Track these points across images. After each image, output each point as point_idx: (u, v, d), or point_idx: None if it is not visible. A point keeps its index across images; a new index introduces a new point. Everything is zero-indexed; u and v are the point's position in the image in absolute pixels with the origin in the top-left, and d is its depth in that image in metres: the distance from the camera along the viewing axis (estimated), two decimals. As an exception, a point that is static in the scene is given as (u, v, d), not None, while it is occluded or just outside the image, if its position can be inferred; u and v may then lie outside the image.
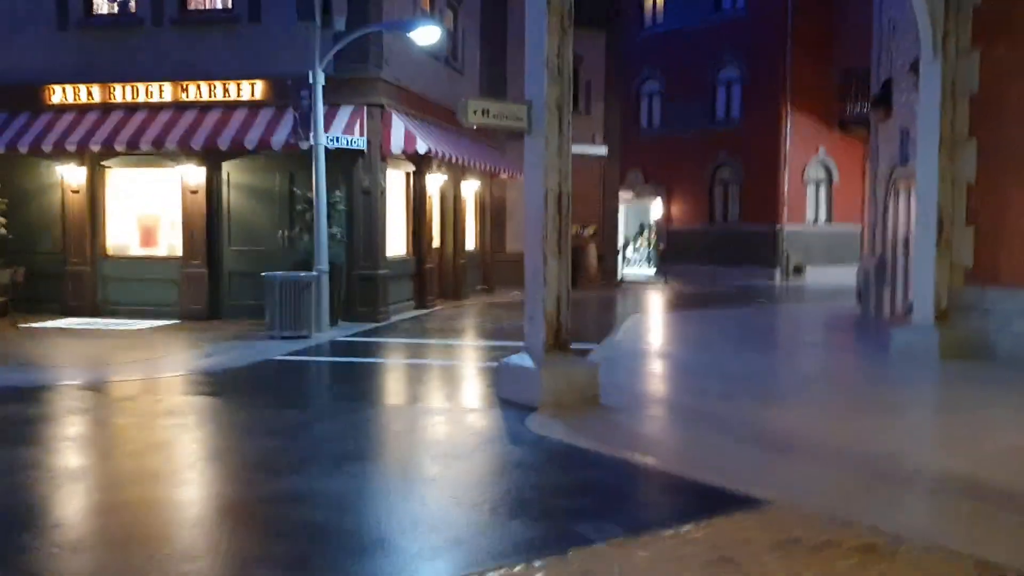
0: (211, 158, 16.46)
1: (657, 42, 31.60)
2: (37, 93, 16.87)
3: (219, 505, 6.28)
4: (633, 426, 8.69)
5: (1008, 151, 12.03)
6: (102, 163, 17.07)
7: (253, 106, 16.30)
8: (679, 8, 30.97)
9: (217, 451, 7.75)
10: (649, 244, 34.81)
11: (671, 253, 30.38)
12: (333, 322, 15.20)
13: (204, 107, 16.43)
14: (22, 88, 16.84)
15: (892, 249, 16.59)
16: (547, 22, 8.91)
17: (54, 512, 6.09)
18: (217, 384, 10.73)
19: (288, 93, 15.14)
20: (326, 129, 14.99)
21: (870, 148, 19.14)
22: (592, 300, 21.45)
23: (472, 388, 10.78)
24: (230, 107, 16.36)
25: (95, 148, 16.20)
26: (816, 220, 29.12)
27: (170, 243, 17.26)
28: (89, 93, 16.74)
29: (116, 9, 17.07)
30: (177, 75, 16.45)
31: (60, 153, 16.48)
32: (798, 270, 28.40)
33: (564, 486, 6.64)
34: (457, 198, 21.30)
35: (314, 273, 14.52)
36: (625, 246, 31.82)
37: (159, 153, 16.29)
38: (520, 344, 13.15)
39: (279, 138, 15.57)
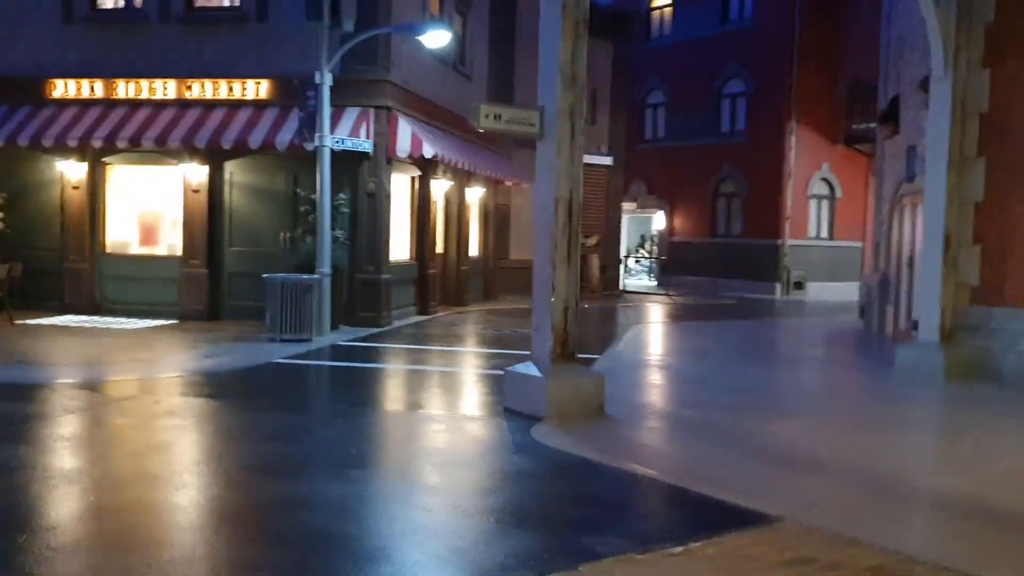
0: (214, 157, 16.36)
1: (663, 53, 31.56)
2: (40, 87, 16.77)
3: (219, 509, 6.16)
4: (639, 438, 8.60)
5: (1017, 170, 11.96)
6: (103, 159, 16.95)
7: (258, 105, 16.21)
8: (686, 20, 30.94)
9: (217, 454, 7.62)
10: (650, 255, 34.75)
11: (673, 265, 30.32)
12: (334, 326, 15.09)
13: (208, 105, 16.33)
14: (24, 81, 16.75)
15: (896, 266, 16.51)
16: (562, 27, 8.81)
17: (51, 514, 5.96)
18: (217, 386, 10.61)
19: (294, 93, 15.05)
20: (332, 130, 14.89)
21: (875, 164, 19.09)
22: (594, 310, 21.36)
23: (476, 396, 10.67)
24: (235, 106, 16.27)
25: (97, 144, 16.09)
26: (818, 236, 29.03)
27: (170, 242, 17.13)
28: (92, 88, 16.63)
29: (122, 4, 16.97)
30: (182, 72, 16.36)
31: (61, 148, 16.36)
32: (799, 285, 28.32)
33: (570, 497, 6.53)
34: (461, 204, 21.21)
35: (316, 276, 14.41)
36: (627, 257, 31.76)
37: (161, 150, 16.18)
38: (523, 353, 13.09)
39: (284, 138, 15.47)
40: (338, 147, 14.96)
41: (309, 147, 14.86)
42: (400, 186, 17.66)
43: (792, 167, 28.12)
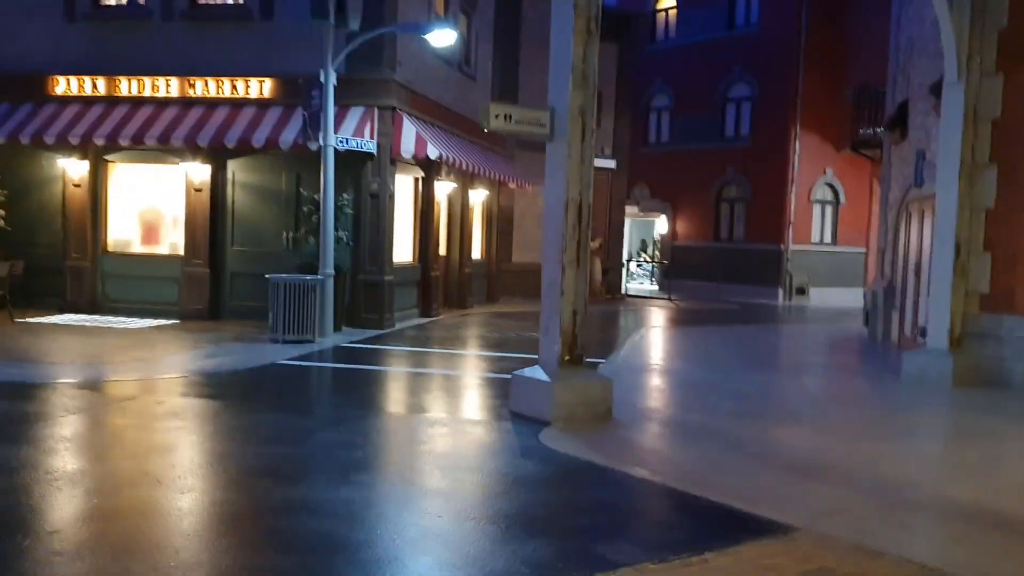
0: (217, 156, 16.23)
1: (668, 56, 31.45)
2: (42, 84, 16.63)
3: (223, 513, 6.04)
4: (648, 443, 8.48)
5: (1030, 178, 11.87)
6: (105, 157, 16.82)
7: (261, 104, 16.09)
8: (691, 23, 30.82)
9: (220, 456, 7.49)
10: (652, 260, 34.63)
11: (675, 269, 30.18)
12: (337, 327, 14.96)
13: (211, 103, 16.20)
14: (27, 78, 16.61)
15: (903, 273, 16.40)
16: (573, 25, 8.70)
17: (53, 516, 5.84)
18: (219, 387, 10.48)
19: (298, 92, 14.93)
20: (336, 130, 14.78)
21: (882, 170, 18.99)
22: (597, 314, 21.17)
23: (481, 399, 10.53)
24: (238, 104, 16.14)
25: (99, 142, 15.95)
26: (821, 241, 28.91)
27: (172, 241, 17.01)
28: (95, 85, 16.50)
29: (124, 1, 16.84)
30: (185, 70, 16.23)
31: (63, 145, 16.22)
32: (801, 291, 28.20)
33: (580, 503, 6.41)
34: (465, 206, 21.09)
35: (319, 277, 14.28)
36: (629, 261, 31.63)
37: (164, 149, 16.04)
38: (527, 356, 12.98)
39: (287, 138, 15.34)
40: (342, 147, 14.85)
41: (313, 147, 14.75)
42: (403, 187, 17.53)
43: (796, 172, 28.00)
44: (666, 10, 31.99)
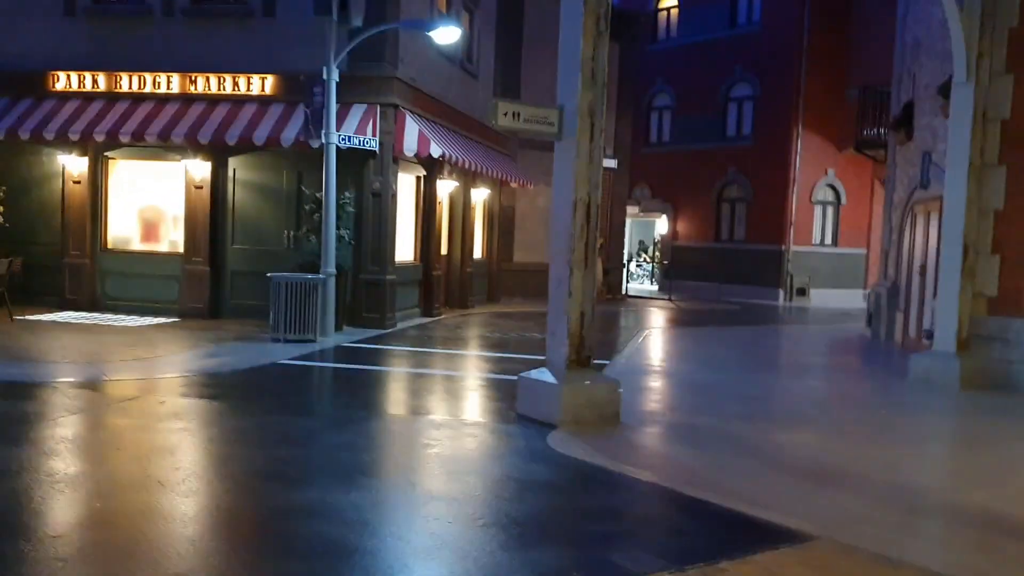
0: (217, 153, 16.12)
1: (670, 55, 31.35)
2: (41, 79, 16.50)
3: (229, 518, 5.92)
4: (657, 447, 8.38)
5: (1040, 179, 11.78)
6: (105, 154, 16.71)
7: (263, 101, 15.96)
8: (693, 22, 30.72)
9: (224, 458, 7.38)
10: (652, 260, 34.52)
11: (675, 270, 30.09)
12: (338, 327, 14.85)
13: (212, 100, 16.08)
14: (26, 74, 16.48)
15: (907, 274, 16.32)
16: (583, 23, 8.58)
17: (56, 520, 5.71)
18: (221, 387, 10.35)
19: (300, 89, 14.82)
20: (338, 128, 14.65)
21: (886, 170, 18.89)
22: (599, 315, 20.99)
23: (486, 401, 10.41)
24: (239, 101, 16.01)
25: (99, 138, 15.82)
26: (822, 242, 28.81)
27: (172, 239, 16.89)
28: (95, 82, 16.37)
29: (126, -4, 16.74)
30: (186, 67, 16.10)
31: (63, 142, 16.11)
32: (802, 292, 28.12)
33: (593, 510, 6.29)
34: (466, 205, 20.97)
35: (321, 276, 14.16)
36: (629, 261, 31.51)
37: (165, 146, 15.92)
38: (531, 357, 12.89)
39: (289, 135, 15.22)
40: (344, 145, 14.72)
41: (315, 144, 14.63)
42: (405, 185, 17.41)
43: (798, 172, 27.93)
44: (668, 9, 31.90)
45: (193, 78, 16.08)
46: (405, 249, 17.53)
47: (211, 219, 16.24)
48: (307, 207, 15.27)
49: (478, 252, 22.53)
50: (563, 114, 8.81)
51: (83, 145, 16.33)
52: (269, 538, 5.53)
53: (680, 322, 21.29)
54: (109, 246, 16.95)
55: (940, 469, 8.11)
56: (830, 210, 28.93)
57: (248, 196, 16.39)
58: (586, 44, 8.66)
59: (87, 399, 9.41)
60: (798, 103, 27.62)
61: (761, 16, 28.81)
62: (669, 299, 27.53)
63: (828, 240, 29.00)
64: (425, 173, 18.04)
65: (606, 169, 26.20)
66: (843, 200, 28.77)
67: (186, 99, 16.12)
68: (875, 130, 22.62)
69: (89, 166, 16.59)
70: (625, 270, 29.18)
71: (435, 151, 15.88)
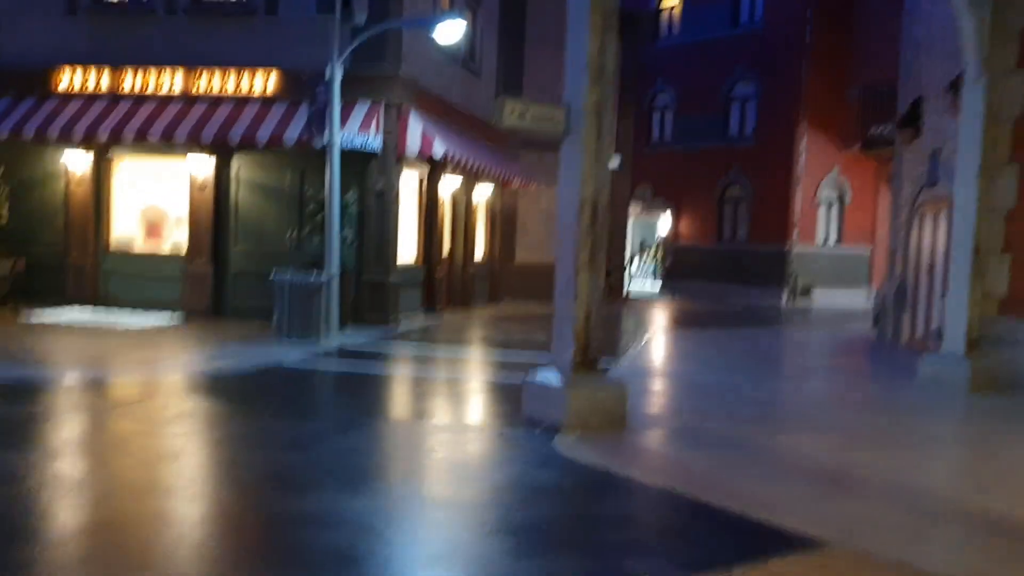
0: (220, 152, 16.03)
1: (672, 54, 31.22)
2: (44, 78, 16.41)
3: (236, 524, 5.84)
4: (665, 451, 8.28)
5: (1050, 178, 11.68)
6: (108, 153, 16.62)
7: (266, 100, 15.88)
8: (695, 21, 30.58)
9: (230, 463, 7.29)
10: (654, 260, 34.43)
11: (677, 270, 29.97)
12: (341, 328, 14.73)
13: (215, 100, 15.98)
14: (29, 73, 16.39)
15: (914, 274, 16.21)
16: (590, 19, 8.47)
17: (62, 526, 5.62)
18: (226, 389, 10.27)
19: (303, 88, 14.71)
20: (341, 127, 14.54)
21: (893, 169, 18.78)
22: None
23: (491, 404, 10.32)
24: (242, 101, 15.92)
25: (102, 137, 15.73)
26: (826, 242, 28.67)
27: (175, 239, 16.80)
28: (98, 80, 16.28)
29: (128, -5, 16.65)
30: (189, 65, 16.01)
31: (66, 141, 16.03)
32: (806, 292, 27.99)
33: (605, 516, 6.19)
34: (469, 205, 20.88)
35: (325, 277, 14.05)
36: (630, 262, 31.41)
37: (168, 145, 15.82)
38: (535, 359, 12.77)
39: (292, 135, 15.13)
40: (348, 144, 14.63)
41: (318, 144, 14.51)
42: (408, 185, 17.31)
43: (801, 171, 27.78)
44: (670, 8, 31.76)
45: (196, 77, 16.00)
46: (408, 250, 17.44)
47: (214, 219, 16.16)
48: (310, 207, 15.20)
49: (480, 252, 22.43)
50: (570, 112, 8.70)
51: (86, 145, 16.25)
52: (277, 545, 5.44)
53: (683, 323, 21.20)
54: (112, 246, 16.87)
55: (953, 473, 8.01)
56: (834, 209, 28.77)
57: (251, 196, 16.30)
58: (593, 41, 8.54)
59: (91, 401, 9.34)
60: (801, 102, 27.47)
61: (763, 15, 28.67)
62: (672, 299, 27.43)
63: (832, 239, 28.85)
64: (428, 173, 17.95)
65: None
66: (847, 199, 28.63)
67: (189, 98, 16.03)
68: (881, 128, 22.47)
69: (92, 165, 16.52)
70: (627, 271, 29.08)
71: (438, 151, 15.79)
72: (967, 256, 11.85)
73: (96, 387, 9.98)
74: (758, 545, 5.58)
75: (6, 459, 6.87)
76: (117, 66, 16.20)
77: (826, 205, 28.56)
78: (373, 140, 15.17)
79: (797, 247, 27.95)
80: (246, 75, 15.86)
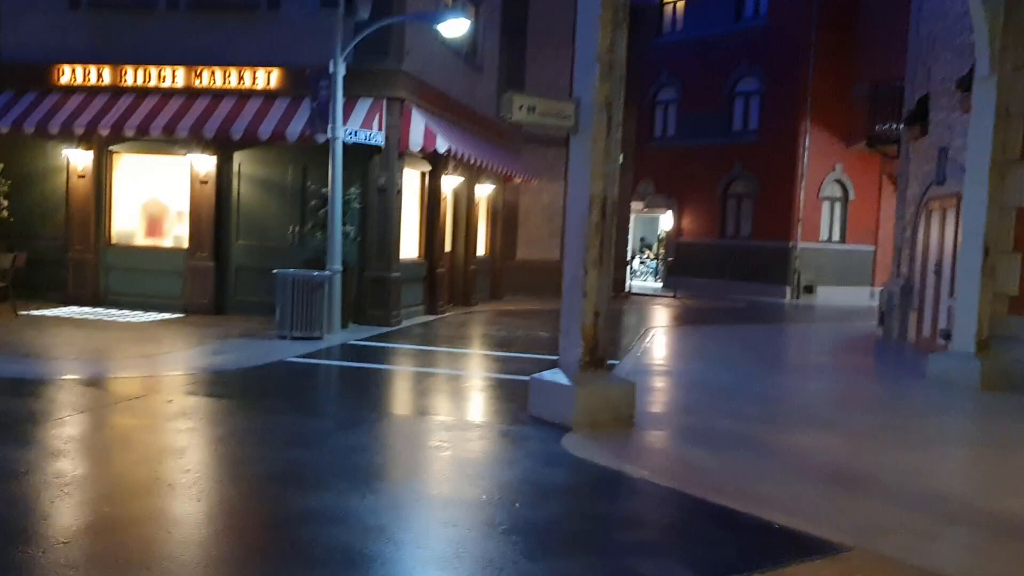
0: (222, 147, 15.91)
1: (675, 50, 31.11)
2: (45, 73, 16.30)
3: (243, 523, 5.74)
4: (675, 451, 8.17)
5: (1061, 175, 11.56)
6: (110, 148, 16.50)
7: (268, 95, 15.75)
8: (699, 16, 30.48)
9: (235, 460, 7.18)
10: (656, 257, 34.32)
11: (680, 266, 29.87)
12: (343, 324, 14.64)
13: (217, 94, 15.86)
14: (30, 67, 16.28)
15: (921, 272, 16.11)
16: (600, 14, 8.36)
17: (64, 525, 5.50)
18: (229, 385, 10.17)
19: (305, 83, 14.59)
20: (343, 122, 14.43)
21: (899, 166, 18.68)
22: (604, 310, 20.85)
23: (497, 402, 10.20)
24: (244, 95, 15.80)
25: (104, 132, 15.62)
26: (829, 239, 28.57)
27: (176, 234, 16.69)
28: (99, 75, 16.16)
29: (130, -11, 16.51)
30: (191, 60, 15.89)
31: (67, 135, 15.91)
32: (809, 289, 27.89)
33: (616, 516, 6.10)
34: (470, 201, 20.75)
35: (328, 272, 13.96)
36: (632, 258, 31.30)
37: (169, 140, 15.71)
38: (539, 356, 12.70)
39: (294, 130, 15.02)
40: (350, 140, 14.52)
41: (321, 139, 14.41)
42: (410, 181, 17.20)
43: (805, 168, 27.70)
44: (673, 3, 31.64)
45: (198, 72, 15.88)
46: (410, 246, 17.33)
47: (216, 214, 16.04)
48: (313, 203, 15.08)
49: (481, 249, 22.30)
50: (579, 107, 8.60)
51: (87, 139, 16.13)
52: (284, 544, 5.33)
53: (687, 320, 21.09)
54: (113, 241, 16.75)
55: (969, 475, 7.90)
56: (838, 206, 28.70)
57: (253, 191, 16.19)
58: (604, 36, 8.43)
59: (93, 397, 9.23)
60: (805, 98, 27.37)
61: (768, 10, 28.57)
62: (674, 296, 27.34)
63: (836, 236, 28.76)
64: (430, 168, 17.84)
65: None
66: (851, 195, 28.54)
67: (191, 93, 15.92)
68: (887, 125, 22.36)
69: (93, 160, 16.39)
70: (628, 267, 28.96)
71: (441, 146, 15.68)
72: (977, 254, 11.76)
73: (97, 382, 9.87)
74: (776, 549, 5.49)
75: (7, 456, 6.78)
76: (119, 61, 16.07)
77: (830, 202, 28.47)
78: (376, 135, 15.05)
79: (800, 244, 27.86)
80: (248, 70, 15.73)
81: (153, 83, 16.01)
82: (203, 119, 15.40)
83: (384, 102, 15.48)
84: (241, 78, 15.80)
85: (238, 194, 16.19)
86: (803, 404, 10.92)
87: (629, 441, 8.20)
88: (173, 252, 16.47)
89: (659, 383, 11.76)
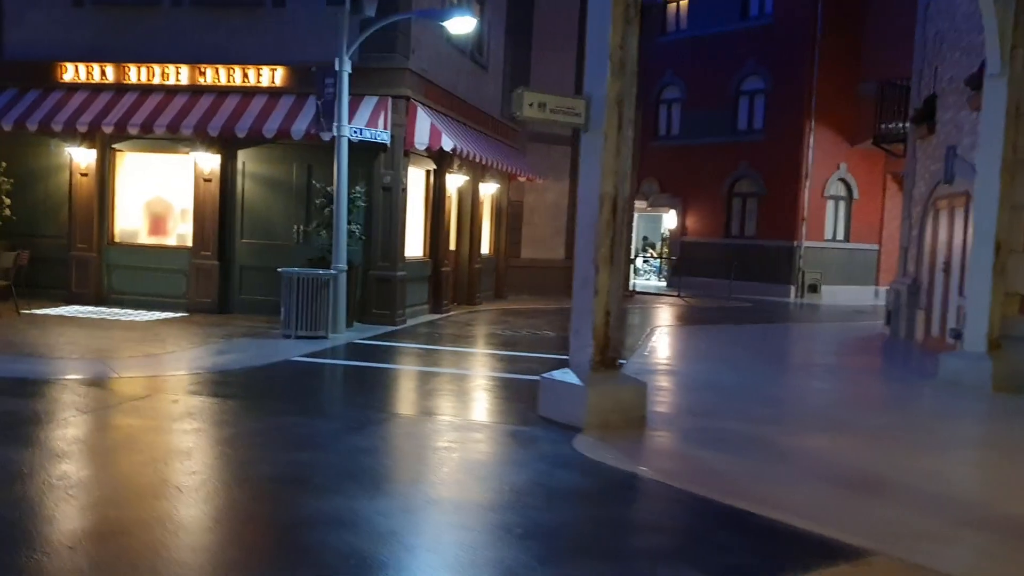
0: (227, 145, 15.82)
1: (679, 48, 30.98)
2: (49, 70, 16.20)
3: (251, 527, 5.63)
4: (689, 453, 8.05)
5: (1072, 174, 11.45)
6: (113, 146, 16.41)
7: (273, 93, 15.65)
8: (703, 14, 30.35)
9: (243, 462, 7.07)
10: (660, 256, 34.21)
11: (684, 266, 29.77)
12: (348, 324, 14.54)
13: (222, 92, 15.77)
14: (34, 64, 16.20)
15: (929, 271, 16.02)
16: (612, 9, 8.26)
17: (69, 529, 5.40)
18: (235, 385, 10.07)
19: (311, 81, 14.52)
20: (349, 120, 14.33)
21: (906, 165, 18.57)
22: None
23: (504, 402, 10.10)
24: (249, 93, 15.70)
25: (107, 130, 15.54)
26: (834, 238, 28.47)
27: (180, 232, 16.59)
28: (103, 72, 16.06)
29: (134, -14, 16.41)
30: (195, 58, 15.79)
31: (70, 133, 15.83)
32: (813, 288, 27.79)
33: (632, 521, 6.01)
34: (475, 200, 20.65)
35: (333, 271, 13.86)
36: (635, 257, 31.21)
37: (173, 138, 15.64)
38: (545, 356, 12.61)
39: (300, 128, 14.92)
40: (356, 138, 14.41)
41: (326, 137, 14.33)
42: (415, 180, 17.10)
43: (810, 167, 27.59)
44: (677, 1, 31.52)
45: (202, 69, 15.77)
46: (415, 244, 17.24)
47: (220, 213, 15.94)
48: (318, 201, 14.97)
49: (486, 248, 22.20)
50: (590, 104, 8.50)
51: (91, 137, 16.05)
52: (294, 549, 5.22)
53: (692, 320, 20.99)
54: (116, 239, 16.66)
55: (986, 478, 7.78)
56: (842, 205, 28.60)
57: (258, 189, 16.09)
58: (615, 33, 8.34)
59: (97, 397, 9.13)
60: (810, 97, 27.28)
61: (773, 9, 28.45)
62: (679, 296, 27.24)
63: (840, 235, 28.67)
64: (435, 167, 17.74)
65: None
66: (855, 195, 28.44)
67: (195, 91, 15.82)
68: (893, 124, 22.24)
69: (97, 158, 16.30)
70: (632, 266, 28.85)
71: (447, 144, 15.59)
72: (988, 253, 11.66)
73: (101, 382, 9.77)
74: (797, 554, 5.38)
75: (10, 458, 6.68)
76: (123, 58, 15.98)
77: (834, 201, 28.37)
78: (381, 134, 14.95)
79: (805, 243, 27.76)
80: (253, 67, 15.63)
81: (157, 80, 15.91)
82: (207, 117, 15.30)
83: (389, 100, 15.37)
84: (246, 75, 15.70)
85: (242, 192, 16.10)
86: (814, 405, 10.82)
87: (641, 443, 8.11)
88: (177, 251, 16.38)
89: (667, 383, 11.66)
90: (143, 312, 15.60)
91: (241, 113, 15.32)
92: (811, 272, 27.81)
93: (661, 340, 16.36)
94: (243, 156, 16.01)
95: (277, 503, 6.06)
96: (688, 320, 20.85)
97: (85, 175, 16.31)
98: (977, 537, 5.90)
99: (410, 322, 16.21)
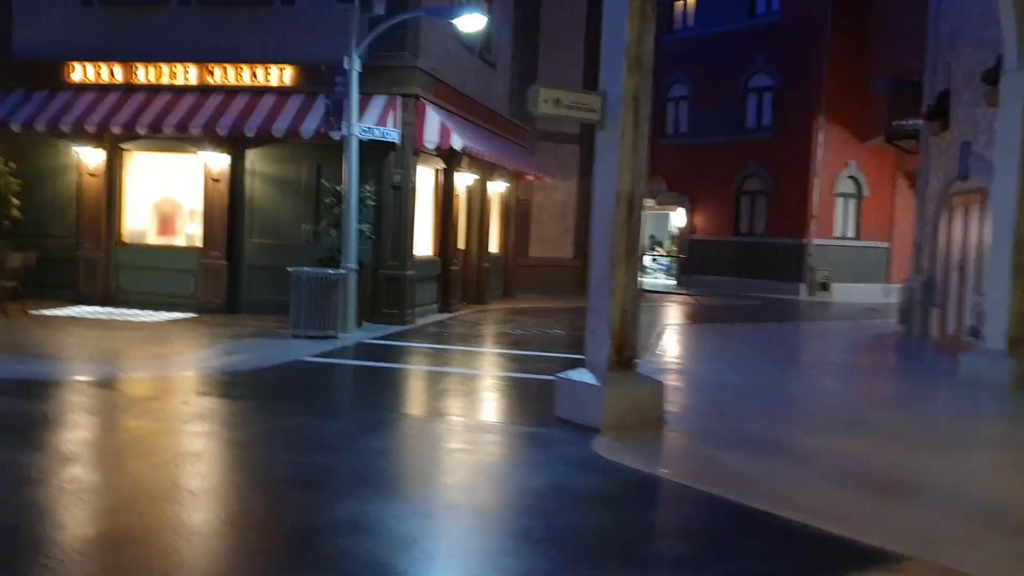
0: (236, 145, 15.70)
1: (687, 46, 30.80)
2: (57, 70, 16.11)
3: (266, 532, 5.51)
4: (709, 454, 7.90)
5: (1092, 170, 11.28)
6: (121, 146, 16.31)
7: (282, 92, 15.54)
8: (711, 11, 30.18)
9: (255, 465, 6.96)
10: (668, 254, 34.06)
11: (693, 264, 29.60)
12: (358, 323, 14.43)
13: (230, 91, 15.65)
14: (42, 64, 16.12)
15: (943, 269, 15.85)
16: (628, 6, 8.12)
17: (80, 534, 5.28)
18: (245, 386, 9.96)
19: (320, 79, 14.37)
20: (359, 118, 14.20)
21: (919, 162, 18.40)
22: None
23: (519, 402, 9.98)
24: (258, 92, 15.59)
25: (115, 130, 15.44)
26: (843, 235, 28.28)
27: (189, 232, 16.49)
28: (111, 72, 15.97)
29: (142, -14, 16.31)
30: (203, 57, 15.68)
31: (79, 133, 15.72)
32: (824, 286, 27.61)
33: (656, 525, 5.89)
34: (483, 199, 20.53)
35: (343, 271, 13.74)
36: (643, 255, 31.04)
37: (182, 138, 15.52)
38: (557, 355, 12.49)
39: (309, 127, 14.80)
40: (365, 136, 14.28)
41: (336, 136, 14.21)
42: (424, 179, 16.99)
43: (819, 165, 27.41)
44: (685, -1, 31.39)
45: (211, 69, 15.66)
46: (424, 244, 17.12)
47: (229, 212, 15.82)
48: (327, 200, 14.85)
49: (494, 247, 22.07)
50: (606, 101, 8.36)
51: (99, 137, 15.94)
52: (311, 556, 5.08)
53: (703, 318, 20.85)
54: (125, 240, 16.56)
55: (1013, 479, 7.61)
56: (852, 203, 28.41)
57: (266, 189, 15.98)
58: (632, 28, 8.20)
59: (106, 398, 9.03)
60: (819, 94, 27.10)
61: (781, 6, 28.28)
62: (688, 294, 27.09)
63: (850, 233, 28.47)
64: (444, 166, 17.62)
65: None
66: (865, 192, 28.26)
67: (204, 90, 15.71)
68: (908, 121, 22.02)
69: (105, 158, 16.20)
70: (640, 264, 28.70)
71: (456, 143, 15.46)
72: (1007, 251, 11.49)
73: (110, 384, 9.66)
74: (832, 559, 5.24)
75: (19, 461, 6.57)
76: (131, 57, 15.88)
77: (844, 198, 28.18)
78: (391, 132, 14.83)
79: (815, 241, 27.58)
80: (261, 67, 15.52)
81: (165, 80, 15.81)
82: (216, 116, 15.20)
83: (399, 99, 15.25)
84: (254, 75, 15.59)
85: (251, 192, 15.98)
86: (832, 405, 10.67)
87: (661, 444, 7.98)
88: (185, 251, 16.28)
89: (681, 383, 11.52)
90: (151, 312, 15.48)
91: (250, 112, 15.21)
92: (821, 270, 27.60)
93: (672, 339, 16.22)
94: (252, 156, 15.90)
95: (292, 507, 5.93)
96: (699, 319, 20.71)
97: (93, 175, 16.21)
98: (1015, 543, 5.73)
99: (419, 321, 16.09)
